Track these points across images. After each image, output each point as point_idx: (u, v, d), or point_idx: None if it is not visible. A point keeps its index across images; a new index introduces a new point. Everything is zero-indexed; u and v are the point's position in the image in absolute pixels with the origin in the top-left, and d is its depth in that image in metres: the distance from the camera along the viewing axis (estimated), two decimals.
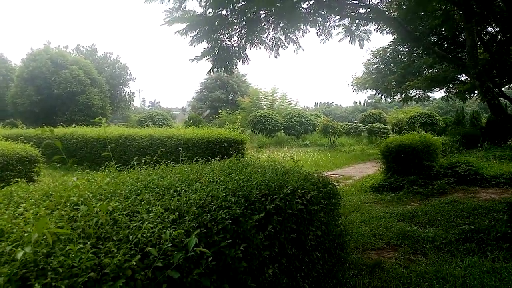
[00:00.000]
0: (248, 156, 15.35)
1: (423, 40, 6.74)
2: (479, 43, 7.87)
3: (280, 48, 6.45)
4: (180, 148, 9.87)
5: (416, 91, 17.46)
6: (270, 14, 6.12)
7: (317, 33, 8.53)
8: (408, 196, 8.47)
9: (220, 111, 35.67)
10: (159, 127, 17.14)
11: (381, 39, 66.62)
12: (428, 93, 20.12)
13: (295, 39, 6.51)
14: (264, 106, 35.43)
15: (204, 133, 11.01)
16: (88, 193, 2.17)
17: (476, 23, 8.28)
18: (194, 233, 1.78)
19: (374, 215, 7.01)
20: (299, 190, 2.95)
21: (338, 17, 8.22)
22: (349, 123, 30.72)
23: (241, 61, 6.32)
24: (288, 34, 6.29)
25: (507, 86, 18.01)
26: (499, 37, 10.99)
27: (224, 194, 2.31)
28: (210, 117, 36.82)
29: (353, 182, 10.99)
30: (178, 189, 2.43)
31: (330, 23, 8.54)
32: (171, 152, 10.50)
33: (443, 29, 11.06)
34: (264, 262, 2.37)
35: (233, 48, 6.15)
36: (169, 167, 3.26)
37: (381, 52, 18.42)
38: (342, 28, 8.72)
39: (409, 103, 21.92)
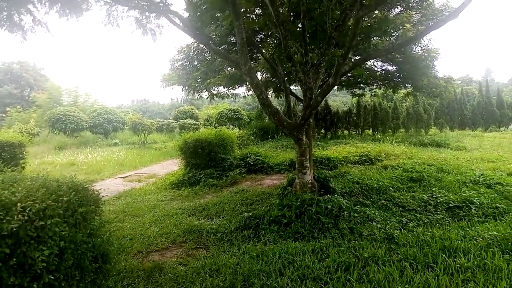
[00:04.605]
0: (34, 162, 13.30)
1: (201, 36, 6.88)
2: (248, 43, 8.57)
3: (29, 32, 5.50)
4: None
5: (218, 88, 18.28)
6: None
7: (102, 21, 7.90)
8: (204, 189, 8.68)
9: (8, 109, 30.11)
10: None
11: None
12: (232, 90, 21.33)
13: (42, 21, 5.64)
14: (66, 103, 31.63)
15: None
16: None
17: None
18: None
19: (167, 213, 6.84)
20: (18, 204, 2.38)
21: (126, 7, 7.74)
22: (161, 120, 30.45)
23: None
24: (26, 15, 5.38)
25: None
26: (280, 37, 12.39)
27: None
28: None
29: (155, 180, 10.69)
30: None
31: (117, 13, 7.99)
32: None
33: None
34: None
35: None
36: None
37: (185, 49, 18.60)
38: (134, 20, 8.28)
39: (218, 99, 22.92)
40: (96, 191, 3.67)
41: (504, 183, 7.44)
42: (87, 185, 3.41)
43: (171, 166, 13.46)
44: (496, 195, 6.72)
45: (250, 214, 5.92)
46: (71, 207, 2.96)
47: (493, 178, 7.79)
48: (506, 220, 5.39)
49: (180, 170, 10.63)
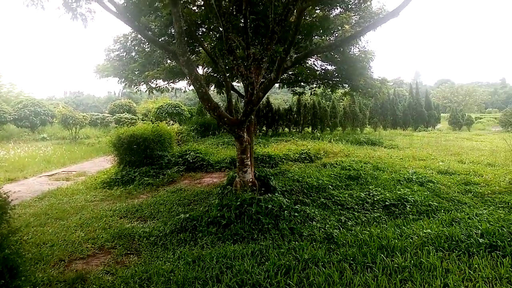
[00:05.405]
0: None
1: (134, 22, 6.36)
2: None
3: None
4: None
5: (157, 82, 17.51)
6: None
7: (24, 2, 7.07)
8: (138, 189, 8.15)
9: None
10: None
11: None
12: (173, 84, 20.52)
13: None
14: None
15: None
16: None
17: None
18: None
19: (96, 215, 6.27)
20: None
21: None
22: (95, 114, 28.69)
23: None
24: None
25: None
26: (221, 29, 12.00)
27: None
28: None
29: (85, 178, 9.88)
30: None
31: None
32: None
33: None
34: None
35: None
36: None
37: (122, 39, 17.53)
38: (62, 3, 7.53)
39: (158, 93, 21.89)
40: (4, 194, 3.15)
41: (435, 181, 7.79)
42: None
43: (104, 164, 12.61)
44: (428, 192, 7.00)
45: (187, 215, 5.59)
46: None
47: (424, 176, 8.15)
48: (438, 217, 5.58)
49: (113, 168, 9.93)
